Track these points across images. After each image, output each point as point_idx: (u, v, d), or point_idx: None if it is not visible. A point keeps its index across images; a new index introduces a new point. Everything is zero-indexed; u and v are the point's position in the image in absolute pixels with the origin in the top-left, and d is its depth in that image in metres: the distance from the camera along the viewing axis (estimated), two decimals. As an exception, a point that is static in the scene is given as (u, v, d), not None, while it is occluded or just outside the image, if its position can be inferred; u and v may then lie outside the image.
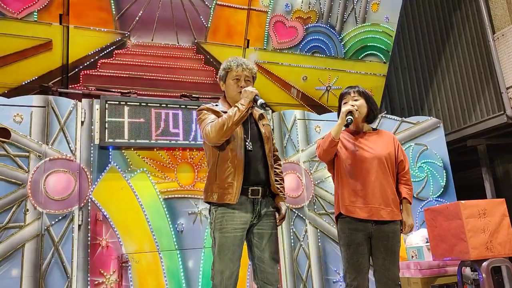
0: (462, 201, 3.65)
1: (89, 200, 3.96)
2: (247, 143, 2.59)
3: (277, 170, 2.80)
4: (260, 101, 2.51)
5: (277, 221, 2.68)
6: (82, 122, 4.11)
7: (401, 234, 2.78)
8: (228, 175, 2.51)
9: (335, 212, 2.85)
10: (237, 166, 2.51)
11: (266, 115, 2.84)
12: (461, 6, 7.31)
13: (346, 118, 2.66)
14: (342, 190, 2.79)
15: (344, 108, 2.71)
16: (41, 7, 4.25)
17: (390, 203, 2.70)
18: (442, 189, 5.18)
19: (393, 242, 2.67)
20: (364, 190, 2.69)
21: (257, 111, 2.79)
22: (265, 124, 2.75)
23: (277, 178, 2.75)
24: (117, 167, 4.15)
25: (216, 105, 2.72)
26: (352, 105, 2.77)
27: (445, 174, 5.23)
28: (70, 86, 4.48)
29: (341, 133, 2.81)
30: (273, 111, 4.91)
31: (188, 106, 4.51)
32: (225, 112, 2.57)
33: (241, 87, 2.64)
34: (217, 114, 2.59)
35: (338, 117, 2.86)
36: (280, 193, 2.71)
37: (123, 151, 4.21)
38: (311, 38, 5.42)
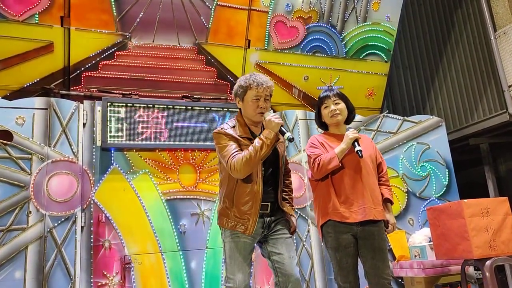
0: (465, 200, 3.64)
1: (92, 202, 3.96)
2: (263, 169, 2.54)
3: (286, 182, 2.77)
4: (287, 135, 2.46)
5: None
6: (84, 124, 4.12)
7: (386, 233, 2.79)
8: (245, 206, 2.48)
9: (321, 220, 2.76)
10: (255, 199, 2.47)
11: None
12: (462, 5, 7.29)
13: (358, 150, 2.65)
14: (332, 197, 2.71)
15: (351, 135, 2.70)
16: (42, 9, 4.25)
17: (379, 203, 2.73)
18: (445, 188, 5.17)
19: (379, 240, 2.68)
20: (357, 192, 2.68)
21: None
22: (280, 142, 2.67)
23: (285, 189, 2.74)
24: (119, 168, 4.16)
25: (233, 126, 2.61)
26: (334, 110, 2.81)
27: (447, 173, 5.22)
28: (72, 88, 4.49)
29: (323, 139, 2.84)
30: (274, 111, 4.91)
31: (189, 107, 4.51)
32: (243, 138, 2.53)
33: (261, 107, 2.56)
34: (237, 141, 2.53)
35: (316, 118, 2.93)
36: (288, 206, 2.68)
37: (125, 152, 4.22)
38: (312, 37, 5.42)
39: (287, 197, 2.73)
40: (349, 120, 2.92)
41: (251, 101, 2.58)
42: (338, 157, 2.66)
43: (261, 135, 2.46)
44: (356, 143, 2.69)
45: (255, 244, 2.59)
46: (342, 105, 2.85)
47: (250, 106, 2.58)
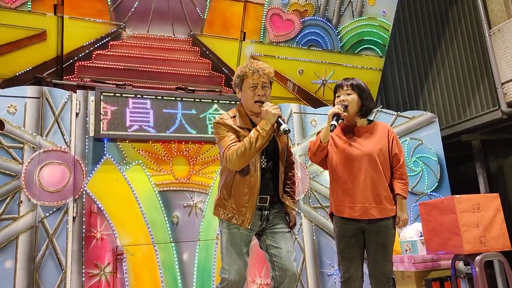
0: (457, 196, 3.67)
1: (84, 192, 3.94)
2: (262, 160, 2.51)
3: (289, 174, 2.74)
4: (283, 126, 2.38)
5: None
6: (77, 114, 4.08)
7: (396, 228, 2.77)
8: (243, 198, 2.45)
9: (329, 209, 2.87)
10: (253, 192, 2.45)
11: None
12: (458, 1, 7.30)
13: (330, 124, 2.58)
14: (333, 189, 2.80)
15: (331, 110, 2.66)
16: (35, -4, 4.19)
17: (382, 201, 2.67)
18: (437, 184, 5.21)
19: (384, 236, 2.66)
20: (354, 189, 2.67)
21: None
22: (281, 135, 2.63)
23: (288, 182, 2.71)
24: (112, 159, 4.13)
25: (234, 116, 2.58)
26: (342, 100, 2.75)
27: (439, 168, 5.25)
28: (65, 77, 4.44)
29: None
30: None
31: (183, 99, 4.48)
32: (243, 128, 2.49)
33: (258, 95, 2.53)
34: (236, 132, 2.50)
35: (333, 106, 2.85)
36: (289, 199, 2.66)
37: (118, 143, 4.19)
38: (307, 31, 5.40)
39: (289, 190, 2.71)
40: (363, 112, 2.82)
41: (248, 89, 2.55)
42: (321, 137, 2.67)
43: (257, 126, 2.42)
44: (336, 116, 2.61)
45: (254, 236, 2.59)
46: (352, 97, 2.77)
47: (247, 95, 2.56)
